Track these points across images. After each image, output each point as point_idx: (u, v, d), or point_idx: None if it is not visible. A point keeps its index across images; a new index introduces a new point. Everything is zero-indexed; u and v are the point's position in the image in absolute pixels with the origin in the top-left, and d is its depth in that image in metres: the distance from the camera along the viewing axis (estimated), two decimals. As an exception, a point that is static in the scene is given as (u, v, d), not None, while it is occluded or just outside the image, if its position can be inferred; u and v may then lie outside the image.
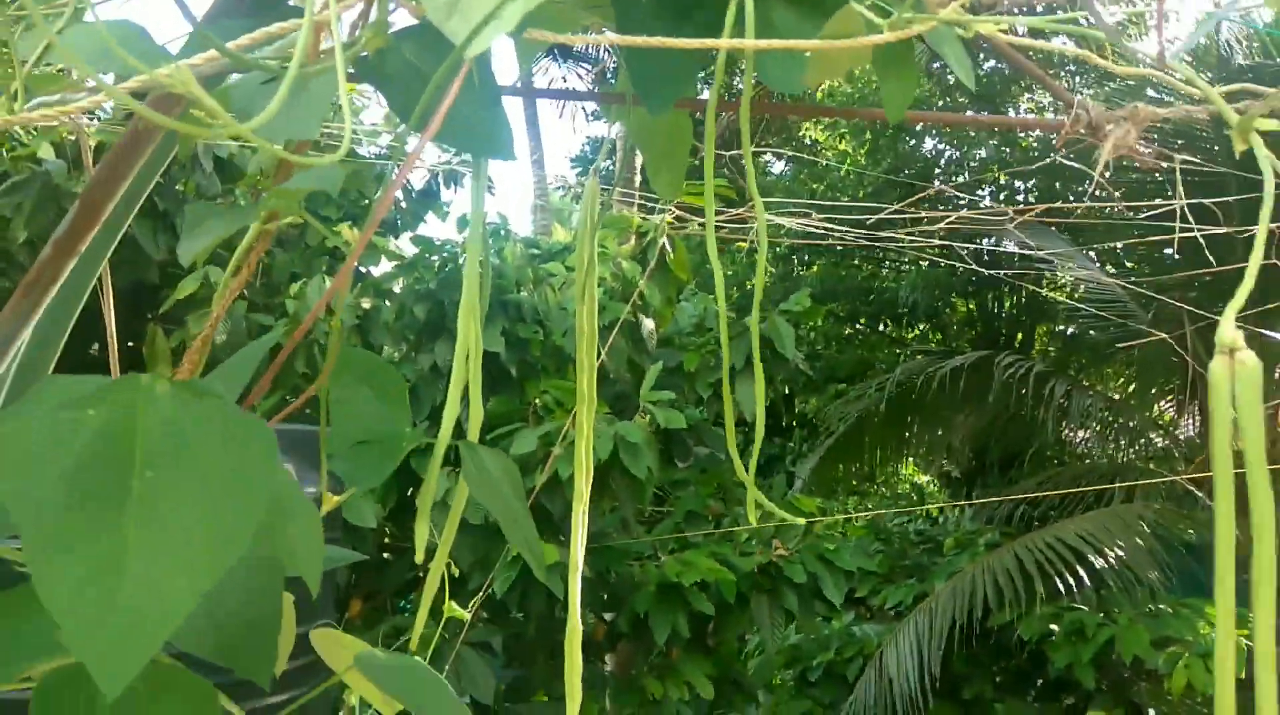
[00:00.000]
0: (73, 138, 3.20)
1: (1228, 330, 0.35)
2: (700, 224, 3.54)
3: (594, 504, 3.40)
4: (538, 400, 3.48)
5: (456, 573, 2.84)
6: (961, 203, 6.80)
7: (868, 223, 3.93)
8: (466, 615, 1.34)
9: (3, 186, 3.10)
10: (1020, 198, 7.60)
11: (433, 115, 0.47)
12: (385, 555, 3.85)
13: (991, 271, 5.35)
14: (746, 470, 0.91)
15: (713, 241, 0.74)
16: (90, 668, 0.23)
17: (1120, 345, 5.42)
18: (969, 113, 7.96)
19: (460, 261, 3.89)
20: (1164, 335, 4.27)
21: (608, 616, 4.49)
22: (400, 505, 3.46)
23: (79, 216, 0.78)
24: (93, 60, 0.56)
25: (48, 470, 0.25)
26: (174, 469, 0.26)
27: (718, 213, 3.17)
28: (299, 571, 0.36)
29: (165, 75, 0.35)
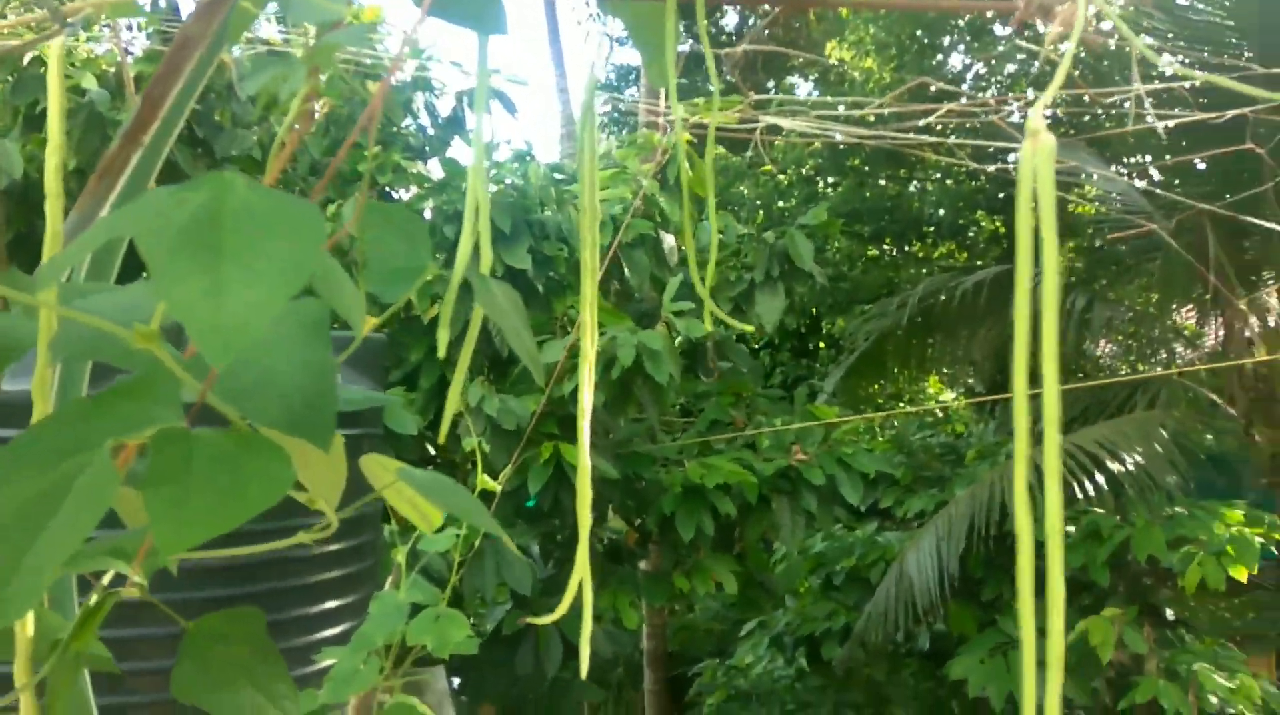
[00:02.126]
0: (113, 69, 3.31)
1: (1036, 118, 0.46)
2: (724, 148, 3.60)
3: (619, 410, 3.56)
4: (564, 314, 3.61)
5: (487, 448, 3.01)
6: (986, 117, 6.74)
7: (889, 133, 3.96)
8: (497, 486, 1.50)
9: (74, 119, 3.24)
10: (1049, 112, 7.50)
11: None
12: (427, 467, 4.03)
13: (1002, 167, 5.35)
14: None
15: (681, 138, 0.85)
16: (207, 353, 0.35)
17: (1143, 257, 5.43)
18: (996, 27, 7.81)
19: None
20: (1181, 249, 4.29)
21: (636, 522, 4.70)
22: (438, 416, 3.63)
23: (143, 111, 0.90)
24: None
25: (167, 225, 0.38)
26: (251, 230, 0.39)
27: (730, 128, 3.23)
28: (348, 319, 0.49)
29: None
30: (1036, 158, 0.45)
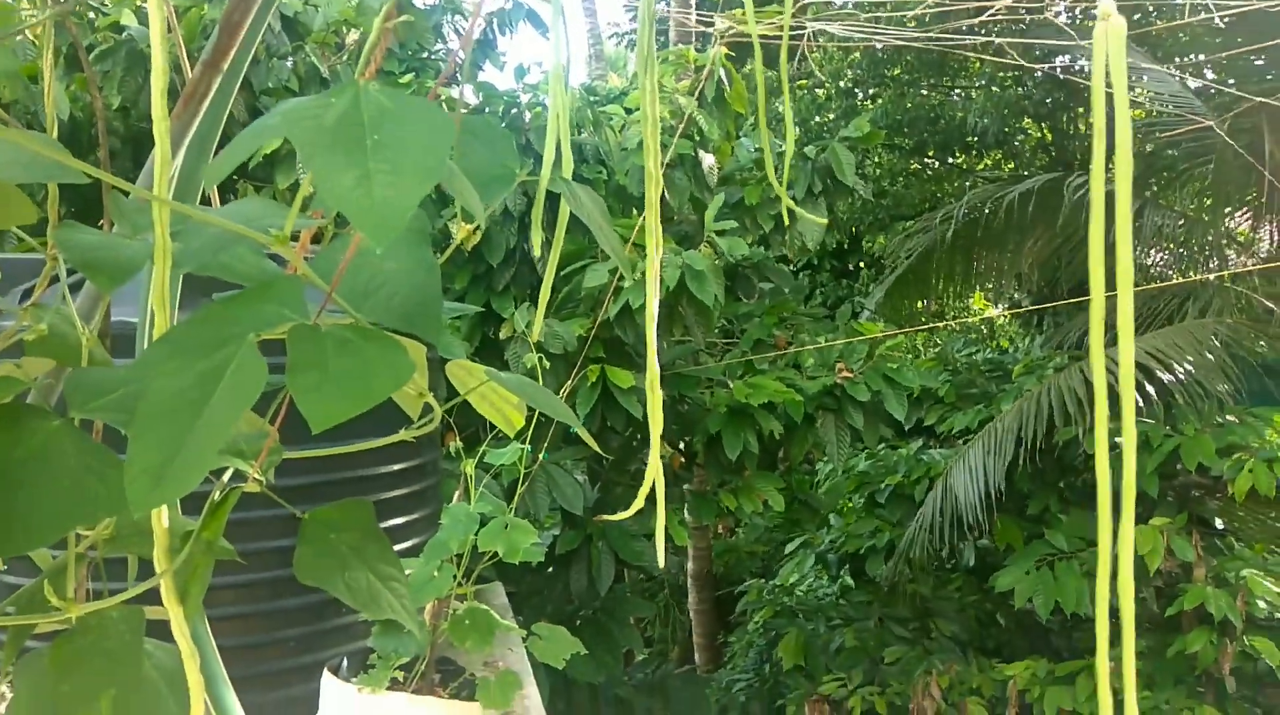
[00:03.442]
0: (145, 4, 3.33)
1: (1105, 2, 0.47)
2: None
3: (664, 331, 3.59)
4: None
5: (548, 365, 3.06)
6: (1033, 20, 6.52)
7: (939, 35, 3.86)
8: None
9: (91, 55, 3.28)
10: (1094, 10, 7.23)
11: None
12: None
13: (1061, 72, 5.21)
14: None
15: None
16: (366, 232, 0.39)
17: (1195, 160, 5.29)
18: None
19: (518, 109, 3.99)
20: (1237, 150, 4.17)
21: (680, 446, 4.77)
22: (484, 343, 3.69)
23: (221, 36, 0.93)
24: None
25: (318, 127, 0.42)
26: (388, 129, 0.42)
27: (771, 35, 3.17)
28: (470, 206, 0.52)
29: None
30: (1109, 41, 0.46)
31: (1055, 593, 4.77)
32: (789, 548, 6.96)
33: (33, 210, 0.57)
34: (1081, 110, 7.78)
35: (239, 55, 0.97)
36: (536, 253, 0.84)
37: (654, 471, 0.94)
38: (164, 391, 0.46)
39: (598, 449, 0.85)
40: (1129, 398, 0.46)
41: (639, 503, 0.96)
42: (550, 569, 4.00)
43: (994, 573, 5.19)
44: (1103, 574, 0.48)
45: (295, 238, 0.64)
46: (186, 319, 0.50)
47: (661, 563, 0.84)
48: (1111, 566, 0.47)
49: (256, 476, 0.67)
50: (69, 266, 0.79)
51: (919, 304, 7.31)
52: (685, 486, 4.50)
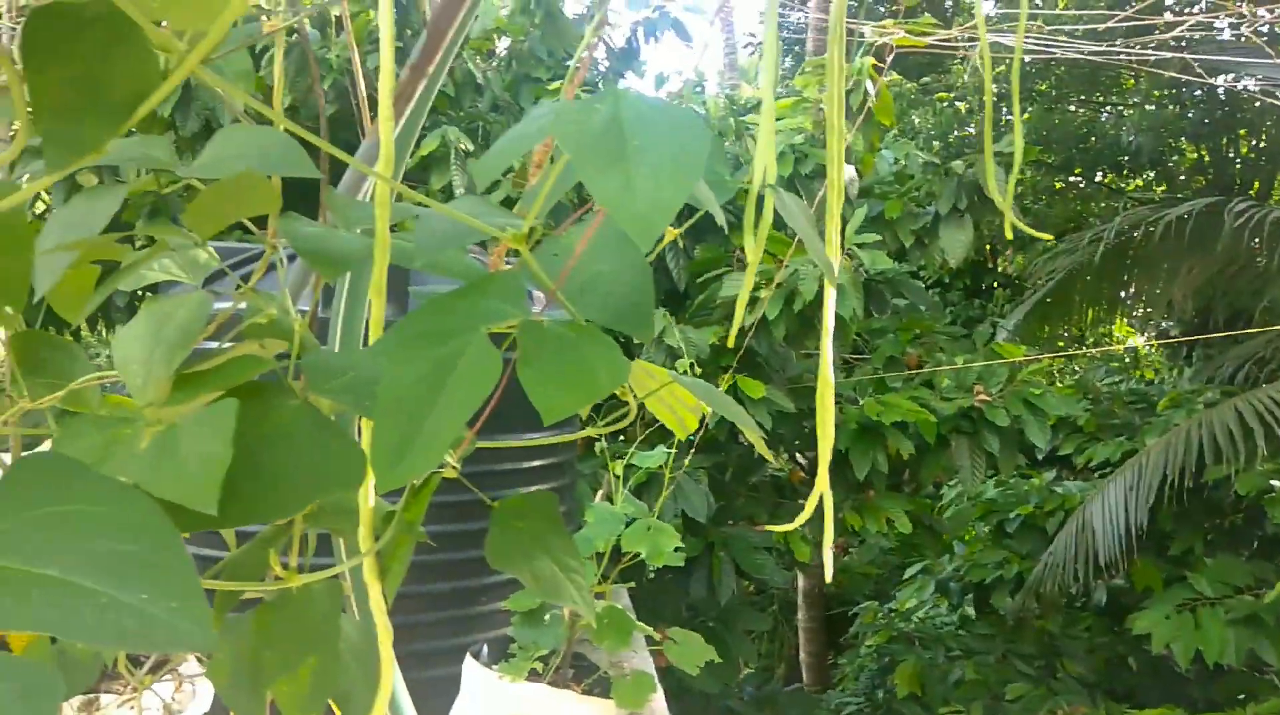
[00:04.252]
0: (316, 7, 3.51)
1: None
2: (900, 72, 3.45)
3: (799, 344, 3.55)
4: (739, 246, 3.61)
5: (699, 371, 3.07)
6: (1194, 38, 6.18)
7: (1091, 53, 3.70)
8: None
9: (264, 58, 3.48)
10: (1265, 29, 6.80)
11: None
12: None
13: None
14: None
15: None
16: (630, 232, 0.40)
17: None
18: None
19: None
20: None
21: (802, 461, 4.70)
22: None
23: (429, 42, 0.97)
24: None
25: (583, 131, 0.43)
26: (647, 135, 0.43)
27: (920, 52, 3.10)
28: (713, 211, 0.53)
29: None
30: None
31: (1197, 640, 4.49)
32: (908, 572, 6.77)
33: (276, 197, 0.61)
34: (1244, 131, 7.32)
35: (441, 61, 1.01)
36: (749, 256, 0.86)
37: (821, 485, 0.93)
38: (401, 377, 0.48)
39: (767, 455, 0.84)
40: None
41: (807, 513, 0.95)
42: (668, 576, 4.00)
43: (1127, 614, 4.92)
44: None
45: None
46: (415, 311, 0.53)
47: (829, 577, 0.83)
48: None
49: (454, 464, 0.69)
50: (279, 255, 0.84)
51: (1059, 328, 7.00)
52: (804, 501, 4.43)
